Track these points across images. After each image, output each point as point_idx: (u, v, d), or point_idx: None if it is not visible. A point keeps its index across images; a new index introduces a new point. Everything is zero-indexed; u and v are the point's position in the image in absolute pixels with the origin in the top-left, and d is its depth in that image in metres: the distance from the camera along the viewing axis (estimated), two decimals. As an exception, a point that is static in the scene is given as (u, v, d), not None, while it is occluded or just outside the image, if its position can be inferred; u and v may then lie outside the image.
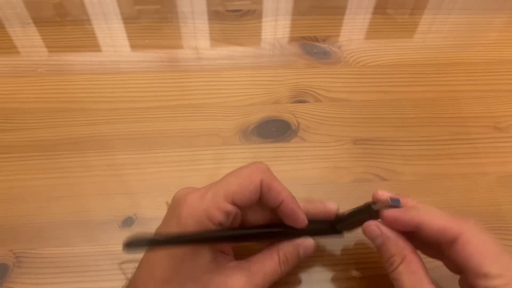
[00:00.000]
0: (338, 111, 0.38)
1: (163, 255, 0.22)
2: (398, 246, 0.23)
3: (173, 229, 0.22)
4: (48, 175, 0.33)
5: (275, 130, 0.36)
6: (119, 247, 0.29)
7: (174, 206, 0.23)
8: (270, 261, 0.23)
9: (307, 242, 0.25)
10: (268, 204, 0.24)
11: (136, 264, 0.24)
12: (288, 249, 0.24)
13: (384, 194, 0.25)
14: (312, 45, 0.43)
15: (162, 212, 0.31)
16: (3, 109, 0.37)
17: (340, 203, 0.31)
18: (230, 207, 0.22)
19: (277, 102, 0.38)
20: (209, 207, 0.22)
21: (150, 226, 0.30)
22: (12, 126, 0.36)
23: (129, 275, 0.24)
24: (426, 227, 0.22)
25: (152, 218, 0.31)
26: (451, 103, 0.39)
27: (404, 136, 0.36)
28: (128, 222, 0.31)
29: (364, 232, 0.24)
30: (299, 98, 0.39)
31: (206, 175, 0.33)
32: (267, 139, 0.36)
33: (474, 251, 0.20)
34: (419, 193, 0.33)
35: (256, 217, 0.25)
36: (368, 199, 0.32)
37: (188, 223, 0.22)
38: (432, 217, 0.22)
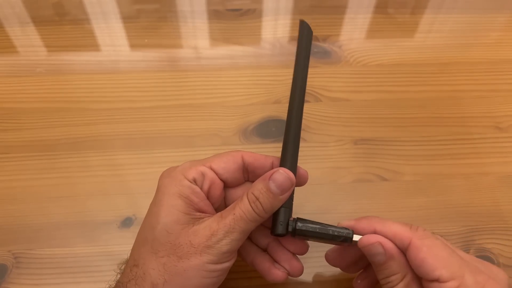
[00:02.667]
0: (339, 111, 0.38)
1: (145, 220, 0.24)
2: (401, 265, 0.22)
3: (155, 196, 0.23)
4: (47, 175, 0.33)
5: (275, 130, 0.36)
6: (119, 248, 0.30)
7: (158, 181, 0.24)
8: (240, 203, 0.22)
9: (277, 175, 0.22)
10: (260, 174, 0.24)
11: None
12: (257, 186, 0.22)
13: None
14: (313, 45, 0.43)
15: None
16: (2, 109, 0.37)
17: (340, 203, 0.31)
18: (205, 168, 0.24)
19: (277, 102, 0.38)
20: (184, 168, 0.24)
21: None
22: (11, 126, 0.36)
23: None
24: (380, 232, 0.22)
25: (151, 219, 0.31)
26: (452, 103, 0.39)
27: (404, 136, 0.36)
28: (127, 222, 0.30)
29: (363, 248, 0.23)
30: (299, 97, 0.39)
31: (206, 175, 0.33)
32: (267, 139, 0.36)
33: (425, 257, 0.21)
34: (419, 193, 0.33)
35: (240, 194, 0.25)
36: (368, 199, 0.32)
37: (165, 182, 0.23)
38: (384, 225, 0.22)
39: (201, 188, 0.23)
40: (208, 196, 0.24)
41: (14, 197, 0.32)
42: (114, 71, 0.40)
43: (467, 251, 0.30)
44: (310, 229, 0.23)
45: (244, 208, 0.22)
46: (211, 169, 0.24)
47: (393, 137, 0.36)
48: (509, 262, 0.30)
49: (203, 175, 0.23)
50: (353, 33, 0.45)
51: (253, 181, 0.25)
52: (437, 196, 0.33)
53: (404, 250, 0.22)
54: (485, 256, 0.30)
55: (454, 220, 0.31)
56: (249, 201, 0.22)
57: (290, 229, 0.23)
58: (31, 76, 0.40)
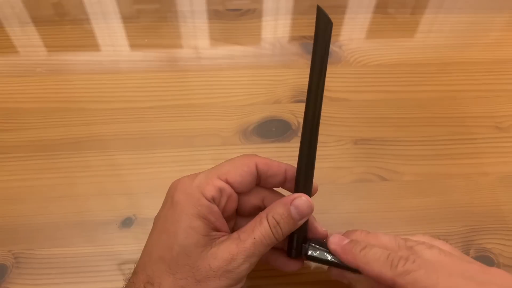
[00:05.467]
0: (339, 111, 0.38)
1: (158, 235, 0.23)
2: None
3: (168, 210, 0.23)
4: (47, 175, 0.33)
5: (275, 130, 0.36)
6: (119, 248, 0.30)
7: (170, 191, 0.24)
8: (259, 226, 0.22)
9: (298, 201, 0.23)
10: (273, 182, 0.24)
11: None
12: (278, 210, 0.23)
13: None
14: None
15: (161, 212, 0.31)
16: (2, 109, 0.37)
17: (340, 203, 0.31)
18: (222, 183, 0.23)
19: (277, 102, 0.38)
20: (201, 183, 0.23)
21: (150, 227, 0.30)
22: (11, 126, 0.36)
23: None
24: (364, 272, 0.22)
25: (151, 219, 0.30)
26: (452, 103, 0.39)
27: (405, 136, 0.36)
28: (127, 222, 0.30)
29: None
30: (300, 97, 0.39)
31: (206, 175, 0.33)
32: (267, 139, 0.36)
33: None
34: (419, 193, 0.33)
35: (250, 199, 0.25)
36: (368, 199, 0.32)
37: (181, 199, 0.22)
38: (367, 263, 0.22)
39: (218, 205, 0.23)
40: (223, 211, 0.23)
41: (14, 197, 0.31)
42: (114, 71, 0.40)
43: (467, 251, 0.30)
44: (323, 258, 0.25)
45: (265, 232, 0.22)
46: (227, 182, 0.23)
47: (393, 137, 0.36)
48: (510, 262, 0.30)
49: (221, 191, 0.23)
50: (353, 33, 0.45)
51: (263, 186, 0.25)
52: (437, 196, 0.33)
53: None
54: (486, 256, 0.30)
55: (454, 220, 0.31)
56: (269, 226, 0.22)
57: (303, 253, 0.25)
58: (31, 76, 0.40)
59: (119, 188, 0.32)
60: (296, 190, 0.24)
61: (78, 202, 0.31)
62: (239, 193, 0.24)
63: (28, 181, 0.32)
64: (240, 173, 0.23)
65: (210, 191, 0.22)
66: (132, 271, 0.23)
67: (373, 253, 0.22)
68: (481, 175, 0.34)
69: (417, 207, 0.32)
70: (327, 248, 0.24)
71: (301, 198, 0.23)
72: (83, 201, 0.31)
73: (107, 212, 0.31)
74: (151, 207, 0.31)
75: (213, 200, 0.22)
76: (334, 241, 0.24)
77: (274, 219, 0.22)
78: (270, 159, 0.25)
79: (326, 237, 0.25)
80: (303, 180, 0.24)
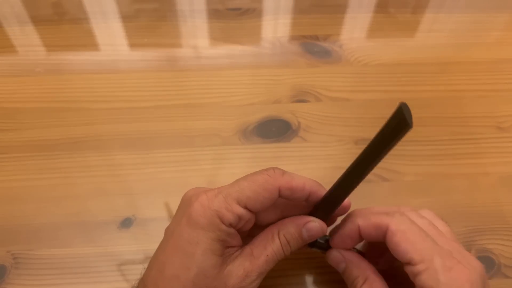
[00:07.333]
0: (339, 110, 0.38)
1: (173, 252, 0.22)
2: (360, 268, 0.24)
3: (184, 227, 0.22)
4: (46, 176, 0.33)
5: (275, 130, 0.36)
6: (118, 248, 0.29)
7: (185, 205, 0.23)
8: (271, 244, 0.23)
9: (311, 225, 0.23)
10: (295, 201, 0.24)
11: (145, 265, 0.24)
12: (290, 230, 0.23)
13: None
14: (313, 44, 0.43)
15: (161, 212, 0.31)
16: (1, 109, 0.37)
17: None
18: (242, 211, 0.22)
19: (277, 102, 0.38)
20: (220, 208, 0.22)
21: (149, 227, 0.30)
22: (10, 126, 0.36)
23: (137, 276, 0.24)
24: (363, 230, 0.24)
25: (151, 219, 0.30)
26: (453, 103, 0.38)
27: (405, 136, 0.36)
28: (127, 223, 0.30)
29: (329, 261, 0.25)
30: (300, 97, 0.38)
31: (206, 175, 0.33)
32: (267, 139, 0.36)
33: (399, 241, 0.22)
34: (420, 193, 0.33)
35: (268, 217, 0.25)
36: (368, 199, 0.32)
37: (200, 221, 0.22)
38: (365, 219, 0.24)
39: (235, 227, 0.23)
40: (239, 230, 0.23)
41: (13, 197, 0.31)
42: (114, 70, 0.40)
43: (468, 251, 0.30)
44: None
45: (276, 249, 0.23)
46: (246, 208, 0.22)
47: (394, 137, 0.36)
48: (510, 262, 0.29)
49: (239, 218, 0.22)
50: (353, 32, 0.45)
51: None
52: (438, 196, 0.32)
53: (384, 238, 0.23)
54: (486, 257, 0.30)
55: (455, 221, 0.31)
56: (281, 244, 0.23)
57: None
58: (30, 75, 0.39)
59: (119, 188, 0.32)
60: (313, 212, 0.24)
61: (77, 203, 0.31)
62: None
63: (27, 181, 0.32)
64: (261, 200, 0.22)
65: (229, 219, 0.22)
66: (139, 277, 0.23)
67: (371, 212, 0.24)
68: (482, 175, 0.34)
69: (418, 207, 0.32)
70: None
71: (315, 224, 0.24)
72: (82, 202, 0.31)
73: (107, 212, 0.31)
74: (150, 207, 0.31)
75: (230, 226, 0.22)
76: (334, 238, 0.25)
77: (285, 238, 0.23)
78: (294, 180, 0.23)
79: (348, 208, 0.26)
80: (325, 209, 0.24)
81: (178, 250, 0.22)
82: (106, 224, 0.30)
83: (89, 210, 0.31)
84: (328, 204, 0.24)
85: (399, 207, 0.25)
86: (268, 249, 0.23)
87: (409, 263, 0.22)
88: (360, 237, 0.24)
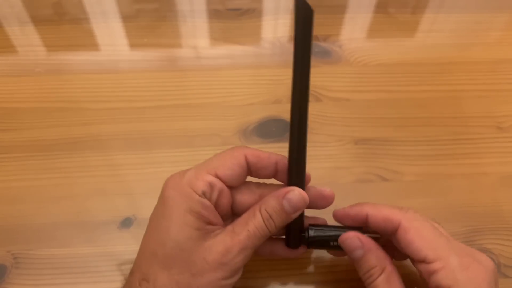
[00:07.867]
0: (339, 110, 0.38)
1: (150, 232, 0.23)
2: (379, 258, 0.23)
3: (159, 206, 0.23)
4: (46, 176, 0.33)
5: (275, 130, 0.36)
6: (118, 248, 0.29)
7: (162, 189, 0.24)
8: (253, 219, 0.22)
9: (290, 194, 0.23)
10: (263, 174, 0.24)
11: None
12: (271, 203, 0.23)
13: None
14: (313, 44, 0.43)
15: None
16: (1, 109, 0.37)
17: (340, 204, 0.31)
18: (212, 178, 0.23)
19: (277, 102, 0.38)
20: (191, 179, 0.22)
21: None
22: (10, 126, 0.36)
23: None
24: (371, 219, 0.23)
25: (151, 219, 0.30)
26: (453, 103, 0.39)
27: (405, 136, 0.36)
28: (127, 222, 0.30)
29: (343, 244, 0.24)
30: (300, 97, 0.38)
31: (205, 175, 0.33)
32: (267, 139, 0.36)
33: (412, 238, 0.22)
34: (420, 193, 0.33)
35: (246, 198, 0.24)
36: (368, 199, 0.32)
37: (171, 194, 0.22)
38: (376, 209, 0.24)
39: (209, 200, 0.23)
40: (216, 205, 0.23)
41: (13, 197, 0.31)
42: (114, 70, 0.40)
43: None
44: (325, 235, 0.25)
45: (258, 224, 0.22)
46: (217, 177, 0.23)
47: (394, 137, 0.36)
48: (510, 262, 0.29)
49: (211, 186, 0.23)
50: (353, 32, 0.45)
51: (255, 177, 0.25)
52: (437, 196, 0.32)
53: (394, 232, 0.22)
54: (486, 257, 0.30)
55: (455, 221, 0.31)
56: (262, 218, 0.22)
57: (302, 243, 0.25)
58: (30, 76, 0.39)
59: (119, 188, 0.32)
60: (289, 183, 0.24)
61: (77, 202, 0.31)
62: (231, 187, 0.24)
63: (26, 181, 0.32)
64: (230, 166, 0.23)
65: (200, 186, 0.22)
66: (130, 271, 0.23)
67: (382, 205, 0.24)
68: (482, 175, 0.34)
69: (417, 207, 0.32)
70: (328, 228, 0.25)
71: (294, 192, 0.23)
72: (82, 201, 0.31)
73: (107, 212, 0.31)
74: (150, 207, 0.31)
75: (204, 195, 0.22)
76: (338, 211, 0.25)
77: (267, 211, 0.22)
78: (260, 150, 0.24)
79: (332, 198, 0.25)
80: (295, 172, 0.23)
81: (154, 228, 0.23)
82: (106, 224, 0.30)
83: (89, 210, 0.31)
84: (295, 162, 0.23)
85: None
86: (249, 224, 0.22)
87: (423, 261, 0.21)
88: (364, 224, 0.24)
